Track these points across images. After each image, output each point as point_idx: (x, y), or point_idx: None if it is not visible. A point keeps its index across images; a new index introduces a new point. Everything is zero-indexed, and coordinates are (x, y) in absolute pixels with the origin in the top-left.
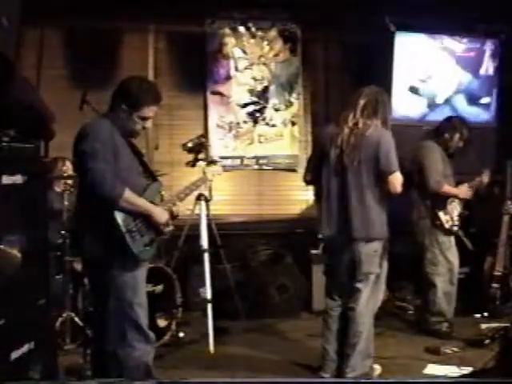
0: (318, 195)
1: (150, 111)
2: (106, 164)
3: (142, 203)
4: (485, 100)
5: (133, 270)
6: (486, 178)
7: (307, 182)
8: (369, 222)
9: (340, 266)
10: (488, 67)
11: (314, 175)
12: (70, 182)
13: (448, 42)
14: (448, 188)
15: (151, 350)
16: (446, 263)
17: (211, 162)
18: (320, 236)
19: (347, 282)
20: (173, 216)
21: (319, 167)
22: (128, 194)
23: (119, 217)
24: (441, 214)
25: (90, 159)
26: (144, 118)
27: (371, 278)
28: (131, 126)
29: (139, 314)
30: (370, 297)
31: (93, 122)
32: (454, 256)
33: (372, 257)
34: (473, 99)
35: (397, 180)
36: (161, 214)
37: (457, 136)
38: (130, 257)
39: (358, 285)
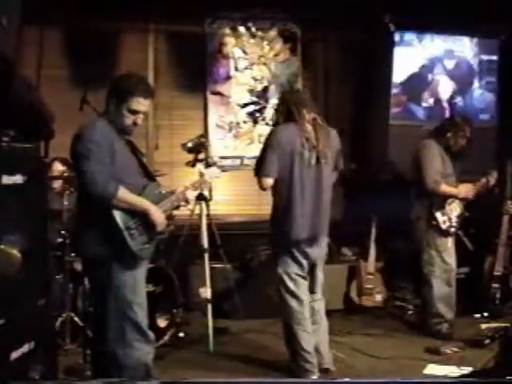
0: (280, 196)
1: (137, 104)
2: (99, 165)
3: (137, 201)
4: (485, 100)
5: (132, 268)
6: (491, 179)
7: (266, 187)
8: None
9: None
10: (488, 67)
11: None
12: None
13: (448, 41)
14: (446, 188)
15: (151, 351)
16: (442, 264)
17: (209, 165)
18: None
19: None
20: (169, 217)
21: (285, 168)
22: (122, 193)
23: (117, 215)
24: (438, 215)
25: (83, 161)
26: (133, 112)
27: None
28: (121, 121)
29: (139, 314)
30: None
31: (88, 124)
32: (451, 257)
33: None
34: (473, 99)
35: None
36: (157, 213)
37: (459, 134)
38: (129, 255)
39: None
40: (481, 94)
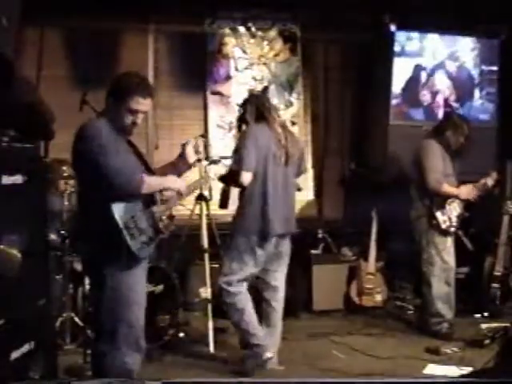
0: (253, 192)
1: (137, 103)
2: (117, 157)
3: (161, 181)
4: (485, 99)
5: (131, 268)
6: (491, 180)
7: (246, 181)
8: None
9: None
10: (488, 58)
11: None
12: (70, 182)
13: (448, 41)
14: (448, 188)
15: (138, 360)
16: (442, 264)
17: (213, 162)
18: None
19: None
20: (170, 216)
21: (260, 165)
22: (147, 180)
23: (117, 213)
24: (438, 214)
25: (99, 157)
26: (132, 111)
27: None
28: (120, 121)
29: (137, 315)
30: None
31: (88, 124)
32: (450, 257)
33: None
34: (473, 98)
35: None
36: (179, 181)
37: (457, 132)
38: (128, 254)
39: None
40: (481, 94)
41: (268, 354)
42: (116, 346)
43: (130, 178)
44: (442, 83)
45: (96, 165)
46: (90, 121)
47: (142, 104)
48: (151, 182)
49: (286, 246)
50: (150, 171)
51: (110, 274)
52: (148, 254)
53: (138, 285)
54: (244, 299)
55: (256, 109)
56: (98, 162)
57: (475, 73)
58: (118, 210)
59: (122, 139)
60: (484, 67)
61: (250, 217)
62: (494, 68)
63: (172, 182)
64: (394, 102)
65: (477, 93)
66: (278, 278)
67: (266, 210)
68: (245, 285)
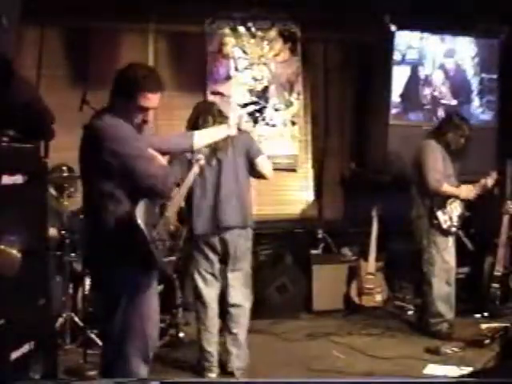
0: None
1: (146, 99)
2: (148, 159)
3: (162, 164)
4: (485, 100)
5: (150, 283)
6: (491, 180)
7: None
8: None
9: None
10: (488, 67)
11: None
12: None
13: (448, 41)
14: (448, 188)
15: (144, 369)
16: (442, 264)
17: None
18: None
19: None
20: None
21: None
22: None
23: (141, 222)
24: (439, 214)
25: (136, 160)
26: (142, 109)
27: None
28: (130, 119)
29: (151, 331)
30: None
31: (104, 121)
32: (451, 256)
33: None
34: (473, 99)
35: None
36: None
37: (457, 133)
38: (154, 268)
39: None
40: (482, 94)
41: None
42: (127, 358)
43: (165, 179)
44: (442, 83)
45: (131, 167)
46: (102, 119)
47: (152, 99)
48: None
49: (229, 243)
50: None
51: (128, 289)
52: (171, 267)
53: (153, 298)
54: None
55: (195, 116)
56: (135, 166)
57: (474, 72)
58: (141, 218)
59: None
60: (484, 75)
61: (187, 217)
62: (494, 76)
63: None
64: (393, 102)
65: (477, 100)
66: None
67: (193, 211)
68: None
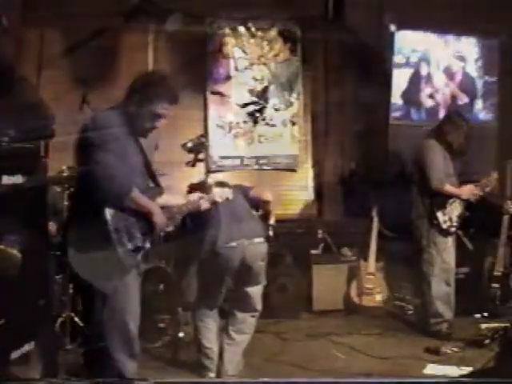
0: None
1: (163, 109)
2: (117, 158)
3: (146, 203)
4: (486, 100)
5: (123, 273)
6: (491, 179)
7: None
8: None
9: None
10: (489, 67)
11: None
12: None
13: (448, 41)
14: (450, 188)
15: (133, 367)
16: (442, 264)
17: (221, 184)
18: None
19: None
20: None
21: None
22: (135, 194)
23: (109, 213)
24: (439, 214)
25: (100, 152)
26: (155, 115)
27: None
28: (141, 122)
29: (129, 324)
30: None
31: (103, 114)
32: (450, 257)
33: None
34: (473, 99)
35: None
36: (160, 216)
37: (458, 132)
38: (115, 260)
39: None
40: (482, 94)
41: None
42: (112, 355)
43: (121, 184)
44: (442, 83)
45: (95, 159)
46: (103, 111)
47: (167, 110)
48: (138, 200)
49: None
50: (153, 178)
51: (100, 281)
52: (133, 263)
53: (131, 291)
54: None
55: None
56: (97, 157)
57: (477, 74)
58: (110, 210)
59: (132, 138)
60: (487, 77)
61: None
62: (494, 69)
63: (155, 214)
64: (394, 101)
65: (479, 103)
66: None
67: None
68: None
